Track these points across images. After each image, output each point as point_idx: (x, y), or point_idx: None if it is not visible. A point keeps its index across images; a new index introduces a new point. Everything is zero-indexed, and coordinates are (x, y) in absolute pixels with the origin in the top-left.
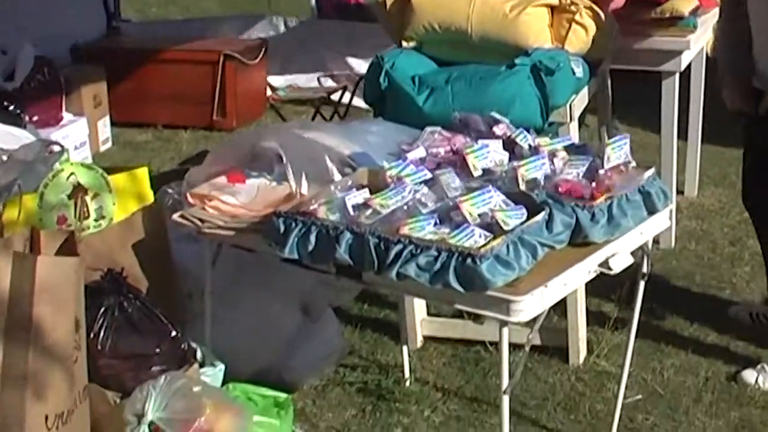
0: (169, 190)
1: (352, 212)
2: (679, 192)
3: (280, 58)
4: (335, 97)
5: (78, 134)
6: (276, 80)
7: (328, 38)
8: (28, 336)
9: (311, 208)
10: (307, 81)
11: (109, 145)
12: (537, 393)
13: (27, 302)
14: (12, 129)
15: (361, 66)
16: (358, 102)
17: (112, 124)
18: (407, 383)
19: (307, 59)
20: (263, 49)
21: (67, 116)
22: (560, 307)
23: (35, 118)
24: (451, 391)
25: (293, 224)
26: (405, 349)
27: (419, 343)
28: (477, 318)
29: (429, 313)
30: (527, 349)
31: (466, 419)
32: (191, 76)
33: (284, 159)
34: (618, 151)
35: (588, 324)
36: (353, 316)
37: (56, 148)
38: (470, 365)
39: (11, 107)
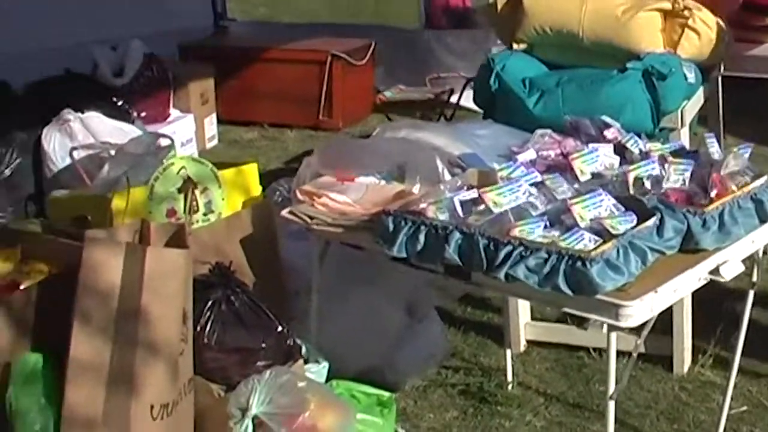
0: (279, 187)
1: (461, 212)
2: None
3: (387, 59)
4: (442, 99)
5: (185, 131)
6: (382, 81)
7: (435, 42)
8: (137, 326)
9: (421, 207)
10: (413, 82)
11: (215, 142)
12: (640, 401)
13: (136, 293)
14: (120, 124)
15: (467, 69)
16: (465, 104)
17: (219, 121)
18: (509, 387)
19: (414, 61)
20: (371, 50)
21: (174, 113)
22: (665, 315)
23: (143, 114)
24: (554, 396)
25: (402, 223)
26: (508, 352)
27: (522, 347)
28: (581, 323)
29: (533, 317)
30: (635, 355)
31: (568, 425)
32: (298, 75)
33: (396, 158)
34: (738, 159)
35: (693, 333)
36: (456, 318)
37: (165, 142)
38: (573, 371)
39: (120, 103)
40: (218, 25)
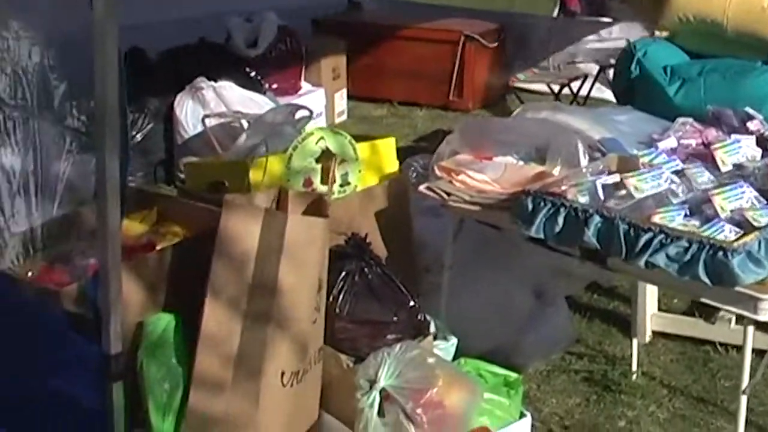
0: (413, 163)
1: (602, 196)
2: None
3: (519, 43)
4: (575, 85)
5: (315, 105)
6: (514, 65)
7: (569, 28)
8: (272, 293)
9: (561, 189)
10: (546, 67)
11: (344, 117)
12: (766, 400)
13: (274, 258)
14: (252, 94)
15: (601, 57)
16: (597, 93)
17: (349, 97)
18: (634, 377)
19: (547, 46)
20: (503, 33)
21: (305, 86)
22: None
23: (275, 86)
24: (678, 388)
25: (542, 204)
26: (635, 341)
27: (648, 337)
28: (708, 317)
29: (659, 309)
30: None
31: (692, 419)
32: (430, 54)
33: (537, 139)
34: None
35: None
36: (582, 306)
37: (303, 113)
38: (698, 365)
39: (252, 73)
40: (351, 2)
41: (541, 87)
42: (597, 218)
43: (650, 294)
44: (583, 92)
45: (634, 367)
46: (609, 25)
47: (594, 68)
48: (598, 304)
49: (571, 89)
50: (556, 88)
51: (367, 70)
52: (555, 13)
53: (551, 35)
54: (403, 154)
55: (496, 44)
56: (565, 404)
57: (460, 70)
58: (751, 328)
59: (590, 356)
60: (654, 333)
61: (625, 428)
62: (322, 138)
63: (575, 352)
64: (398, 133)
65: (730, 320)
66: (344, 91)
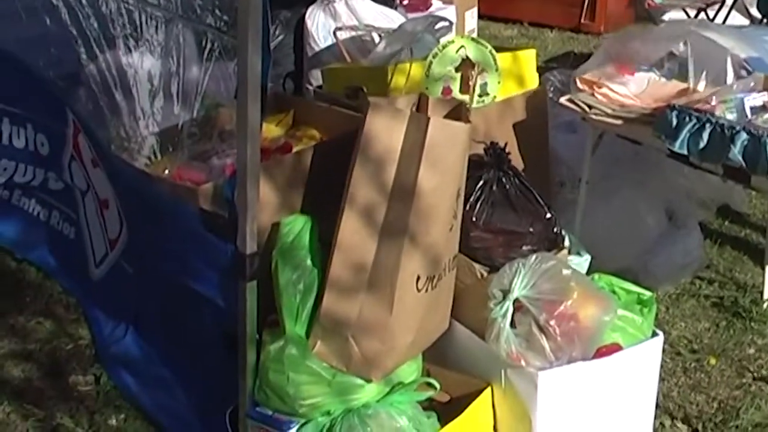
0: (552, 78)
1: (749, 114)
2: None
3: None
4: (711, 11)
5: None
6: None
7: None
8: (413, 196)
9: (708, 105)
10: None
11: (474, 36)
12: None
13: (416, 161)
14: (384, 9)
15: None
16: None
17: (479, 16)
18: (765, 305)
19: None
20: None
21: (436, 3)
22: None
23: (405, 2)
24: None
25: (687, 119)
26: (767, 270)
27: None
28: None
29: None
30: None
31: None
32: None
33: (683, 54)
34: None
35: None
36: (713, 231)
37: (444, 23)
38: None
39: None
40: None
41: (677, 12)
42: (744, 135)
43: None
44: (720, 18)
45: (766, 295)
46: None
47: None
48: (730, 230)
49: (707, 14)
50: (692, 12)
51: None
52: None
53: None
54: None
55: None
56: (693, 328)
57: None
58: None
59: (720, 282)
60: None
61: (754, 355)
62: (462, 47)
63: (705, 277)
64: None
65: None
66: (475, 10)
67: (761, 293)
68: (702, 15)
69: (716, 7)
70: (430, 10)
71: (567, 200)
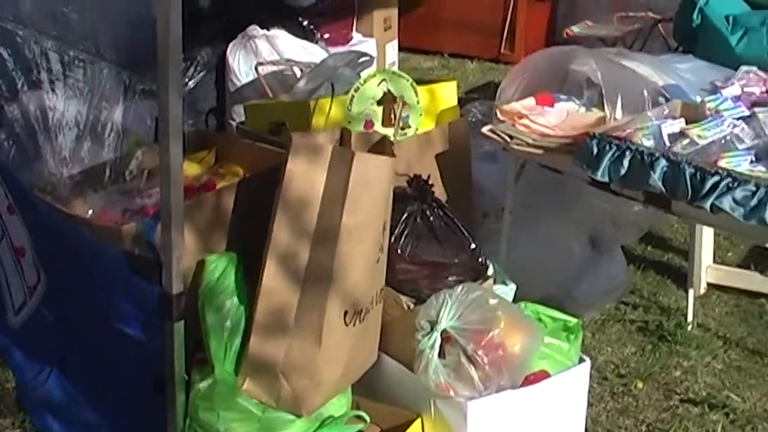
0: (473, 109)
1: (667, 141)
2: None
3: None
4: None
5: None
6: (567, 17)
7: None
8: (339, 230)
9: (626, 132)
10: (600, 20)
11: (395, 69)
12: None
13: (341, 198)
14: (305, 43)
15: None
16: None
17: (399, 48)
18: (689, 327)
19: None
20: None
21: (356, 37)
22: None
23: (326, 36)
24: (733, 340)
25: (607, 147)
26: (690, 292)
27: (703, 289)
28: (764, 270)
29: (714, 261)
30: None
31: (747, 371)
32: (482, 6)
33: (600, 83)
34: None
35: None
36: (636, 257)
37: (365, 58)
38: (754, 318)
39: (305, 23)
40: None
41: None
42: (663, 162)
43: (706, 246)
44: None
45: (689, 318)
46: None
47: (650, 22)
48: (653, 255)
49: (624, 43)
50: (610, 40)
51: (419, 21)
52: None
53: None
54: None
55: None
56: (620, 353)
57: (512, 21)
58: None
59: (645, 306)
60: (708, 285)
61: (680, 378)
62: (383, 80)
63: (630, 302)
64: None
65: None
66: (395, 42)
67: (685, 316)
68: (620, 44)
69: (634, 35)
70: (351, 43)
71: (491, 230)
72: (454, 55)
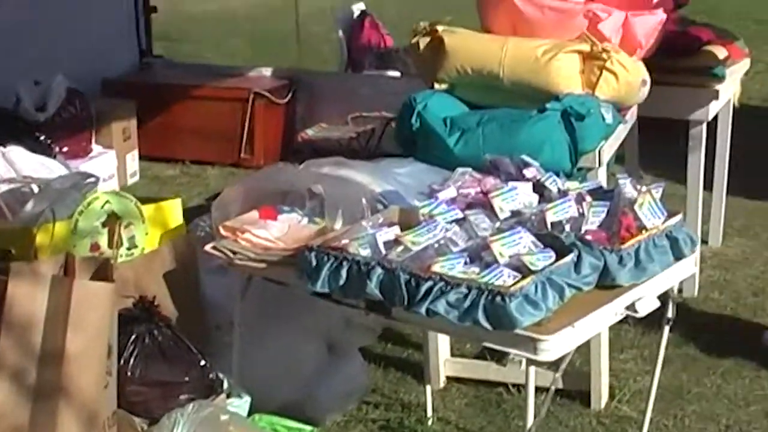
0: (201, 223)
1: (383, 249)
2: (704, 242)
3: (309, 99)
4: (364, 138)
5: (106, 167)
6: (304, 120)
7: (357, 82)
8: (62, 360)
9: (342, 243)
10: (336, 122)
11: (136, 178)
12: None
13: (62, 325)
14: (42, 159)
15: (389, 109)
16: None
17: (140, 158)
18: (429, 422)
19: (336, 100)
20: (292, 89)
21: (96, 148)
22: (582, 351)
23: (65, 149)
24: (473, 431)
25: (325, 258)
26: (428, 388)
27: (442, 383)
28: (500, 360)
29: (452, 354)
30: (552, 390)
31: None
32: (220, 112)
33: (320, 195)
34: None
35: (610, 369)
36: (376, 355)
37: (91, 180)
38: (492, 406)
39: (42, 137)
40: (143, 63)
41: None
42: (379, 270)
43: (442, 340)
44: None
45: (429, 413)
46: (397, 79)
47: (383, 121)
48: (392, 352)
49: (360, 143)
50: (344, 142)
51: (159, 130)
52: (343, 67)
53: (339, 90)
54: (195, 213)
55: (285, 100)
56: None
57: (250, 127)
58: (532, 369)
59: (386, 405)
60: (448, 378)
61: None
62: (107, 201)
63: (371, 401)
64: (190, 192)
65: (520, 362)
66: (135, 153)
67: (425, 412)
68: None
69: (368, 135)
70: (90, 155)
71: (224, 343)
72: (195, 161)
